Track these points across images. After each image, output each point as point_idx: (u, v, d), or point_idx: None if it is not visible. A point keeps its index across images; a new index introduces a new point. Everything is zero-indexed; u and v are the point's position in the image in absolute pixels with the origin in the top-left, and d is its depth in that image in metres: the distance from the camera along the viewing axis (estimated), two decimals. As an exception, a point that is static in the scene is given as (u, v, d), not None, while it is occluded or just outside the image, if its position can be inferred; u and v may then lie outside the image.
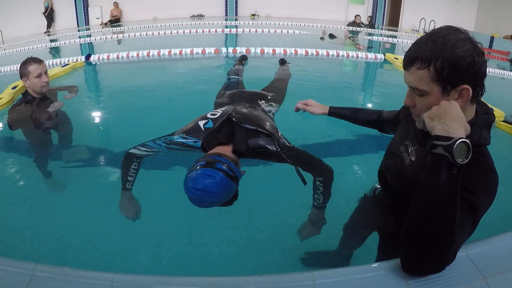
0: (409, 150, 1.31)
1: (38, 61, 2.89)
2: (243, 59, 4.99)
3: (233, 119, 1.87)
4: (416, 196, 1.05)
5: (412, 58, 1.12)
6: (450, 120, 1.03)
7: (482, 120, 1.17)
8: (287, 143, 1.88)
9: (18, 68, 2.90)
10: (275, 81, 3.81)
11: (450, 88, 1.09)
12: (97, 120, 3.30)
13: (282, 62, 4.89)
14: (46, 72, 2.93)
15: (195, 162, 1.58)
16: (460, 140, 0.99)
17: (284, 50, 6.24)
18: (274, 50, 6.22)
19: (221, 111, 2.04)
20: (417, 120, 1.20)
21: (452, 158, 0.98)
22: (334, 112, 2.00)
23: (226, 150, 1.70)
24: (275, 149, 1.80)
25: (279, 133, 1.94)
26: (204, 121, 1.94)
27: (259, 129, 1.85)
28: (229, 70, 4.33)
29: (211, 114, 2.01)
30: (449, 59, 1.05)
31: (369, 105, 3.91)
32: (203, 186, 1.46)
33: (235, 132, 1.79)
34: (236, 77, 3.79)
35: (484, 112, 1.20)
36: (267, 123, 1.97)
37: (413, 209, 1.05)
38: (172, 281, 1.09)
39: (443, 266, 1.05)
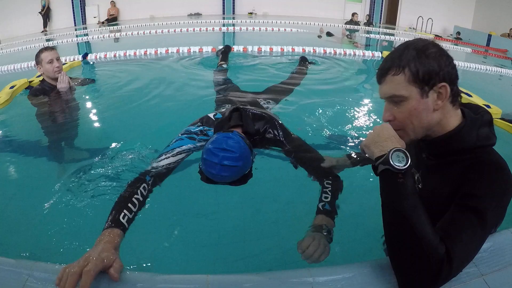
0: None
1: (49, 48, 3.26)
2: (226, 52, 4.98)
3: (240, 108, 1.98)
4: (383, 222, 1.06)
5: (387, 68, 1.15)
6: (384, 140, 1.10)
7: (474, 121, 1.16)
8: (290, 132, 2.03)
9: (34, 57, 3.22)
10: (283, 82, 3.85)
11: (428, 89, 1.11)
12: (94, 119, 3.28)
13: (303, 60, 4.88)
14: (58, 59, 3.26)
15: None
16: (393, 149, 1.05)
17: (281, 48, 6.23)
18: (271, 48, 6.21)
19: (226, 108, 2.20)
20: (403, 137, 1.17)
21: (392, 166, 1.03)
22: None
23: (237, 130, 1.82)
24: (277, 133, 1.97)
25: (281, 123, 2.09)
26: (213, 114, 2.09)
27: (263, 113, 2.07)
28: (214, 71, 4.32)
29: (217, 110, 2.20)
30: (422, 60, 1.10)
31: (365, 103, 3.91)
32: (225, 145, 1.57)
33: (243, 117, 1.91)
34: (222, 78, 3.81)
35: (475, 113, 1.19)
36: (269, 112, 2.21)
37: (385, 234, 1.06)
38: (169, 279, 1.09)
39: (437, 278, 0.96)
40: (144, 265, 1.73)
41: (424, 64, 1.09)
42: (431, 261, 0.95)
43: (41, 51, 3.18)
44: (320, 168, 1.82)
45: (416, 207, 1.00)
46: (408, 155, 1.03)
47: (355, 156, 1.89)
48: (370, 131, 1.18)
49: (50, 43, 9.47)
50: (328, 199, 1.64)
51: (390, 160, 1.03)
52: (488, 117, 1.19)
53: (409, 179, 1.03)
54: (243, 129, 1.86)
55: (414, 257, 0.97)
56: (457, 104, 1.16)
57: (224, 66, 4.44)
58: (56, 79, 3.24)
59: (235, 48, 6.07)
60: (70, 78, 3.53)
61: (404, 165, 1.02)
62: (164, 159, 1.78)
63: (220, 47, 5.33)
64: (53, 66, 3.18)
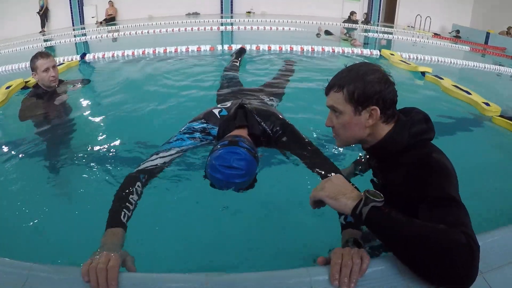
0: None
1: (45, 56, 3.02)
2: (240, 52, 5.00)
3: (245, 106, 1.94)
4: (395, 252, 1.07)
5: (331, 85, 1.37)
6: (351, 191, 1.16)
7: (404, 124, 1.32)
8: (300, 133, 1.95)
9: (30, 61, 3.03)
10: (278, 77, 3.86)
11: (361, 108, 1.30)
12: (92, 118, 3.27)
13: (288, 63, 4.91)
14: (54, 67, 3.06)
15: (215, 144, 1.66)
16: (365, 191, 1.12)
17: (279, 47, 6.23)
18: (269, 47, 6.21)
19: (231, 103, 2.13)
20: (336, 139, 1.44)
21: (375, 201, 1.07)
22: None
23: (242, 132, 1.77)
24: (283, 133, 1.90)
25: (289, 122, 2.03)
26: (218, 110, 2.03)
27: (270, 111, 2.02)
28: (225, 66, 4.34)
29: (221, 105, 2.12)
30: (359, 84, 1.28)
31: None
32: (230, 163, 1.52)
33: (248, 117, 1.87)
34: (233, 73, 3.82)
35: (406, 116, 1.35)
36: (275, 110, 2.15)
37: (403, 260, 1.05)
38: (167, 278, 1.08)
39: (474, 257, 0.94)
40: (143, 264, 1.72)
41: (360, 88, 1.28)
42: (457, 247, 0.94)
43: (36, 57, 3.00)
44: (321, 159, 1.76)
45: (412, 221, 1.03)
46: (378, 192, 1.10)
47: (362, 161, 1.92)
48: (324, 182, 1.22)
49: (48, 43, 9.47)
50: None
51: (370, 197, 1.08)
52: (419, 116, 1.35)
53: (390, 208, 1.07)
54: (249, 130, 1.81)
55: (444, 257, 0.95)
56: (393, 121, 1.33)
57: (236, 63, 4.44)
58: (50, 87, 3.11)
59: (233, 47, 6.07)
60: (65, 80, 3.48)
61: (382, 198, 1.08)
62: (161, 157, 1.76)
63: (237, 47, 5.55)
64: (48, 75, 3.01)
